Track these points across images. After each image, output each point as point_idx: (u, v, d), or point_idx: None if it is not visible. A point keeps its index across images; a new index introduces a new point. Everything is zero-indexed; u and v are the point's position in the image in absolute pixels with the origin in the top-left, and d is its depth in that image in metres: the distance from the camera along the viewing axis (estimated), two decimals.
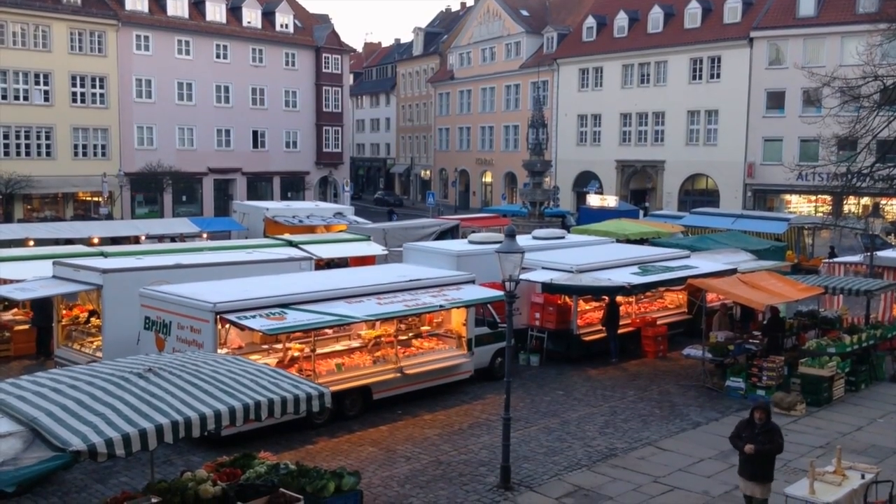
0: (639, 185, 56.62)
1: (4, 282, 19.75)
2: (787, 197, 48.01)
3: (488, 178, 68.81)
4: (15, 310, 21.47)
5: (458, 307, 17.59)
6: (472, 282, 18.53)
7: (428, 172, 76.84)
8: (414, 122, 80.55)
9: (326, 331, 16.54)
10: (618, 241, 28.53)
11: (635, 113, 55.27)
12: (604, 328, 21.15)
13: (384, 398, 16.60)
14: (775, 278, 20.18)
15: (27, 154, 46.06)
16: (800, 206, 47.48)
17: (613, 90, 56.68)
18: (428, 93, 76.93)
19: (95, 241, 28.64)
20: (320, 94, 59.05)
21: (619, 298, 21.14)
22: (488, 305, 18.79)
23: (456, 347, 18.30)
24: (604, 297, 21.04)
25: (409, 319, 18.01)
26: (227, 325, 14.94)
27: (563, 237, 26.70)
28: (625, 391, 18.44)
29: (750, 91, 48.66)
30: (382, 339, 17.40)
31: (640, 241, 30.49)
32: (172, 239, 32.04)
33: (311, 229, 34.12)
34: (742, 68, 48.99)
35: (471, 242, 23.35)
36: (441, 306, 16.97)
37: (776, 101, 47.84)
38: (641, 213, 46.00)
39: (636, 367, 20.65)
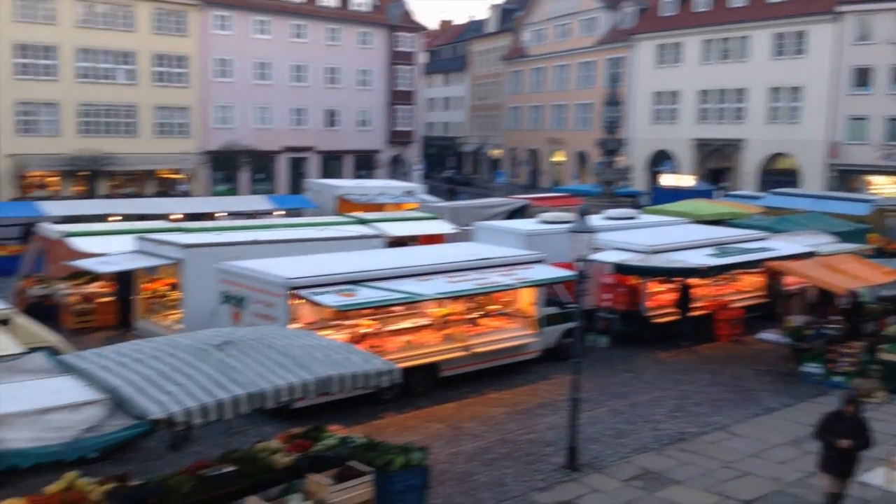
0: (716, 165, 55.18)
1: (89, 255, 20.54)
2: (872, 178, 46.13)
3: (559, 158, 68.10)
4: (99, 282, 22.32)
5: (527, 286, 17.55)
6: (542, 261, 18.45)
7: (498, 151, 76.50)
8: (485, 100, 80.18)
9: (395, 308, 16.72)
10: (693, 222, 27.92)
11: (715, 90, 53.78)
12: (676, 310, 20.80)
13: (451, 376, 16.73)
14: (857, 261, 19.50)
15: (111, 132, 47.64)
16: (885, 187, 45.57)
17: (692, 66, 55.22)
18: (500, 71, 76.37)
19: (175, 217, 29.49)
20: (393, 72, 59.31)
21: (692, 280, 20.75)
22: (558, 285, 18.69)
23: (524, 327, 18.29)
24: (677, 278, 20.68)
25: (478, 298, 18.05)
26: (300, 301, 15.25)
27: (635, 217, 26.29)
28: (696, 375, 18.14)
29: (835, 67, 46.80)
30: (451, 317, 17.51)
31: (717, 223, 29.76)
32: (248, 216, 32.77)
33: (381, 207, 34.41)
34: (827, 44, 47.11)
35: (541, 222, 23.21)
36: (510, 285, 16.97)
37: (863, 78, 45.88)
38: (718, 193, 44.87)
39: (709, 350, 20.27)
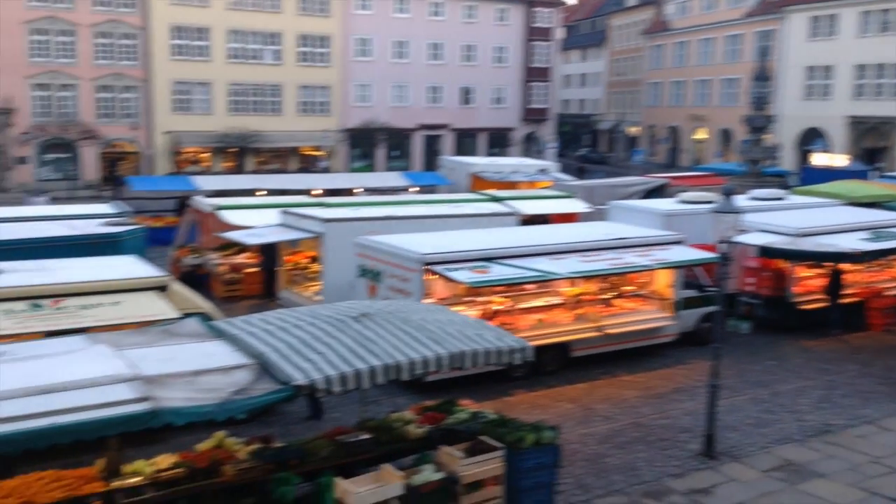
0: (872, 144, 51.58)
1: (237, 227, 21.60)
2: None
3: (700, 135, 65.60)
4: (246, 253, 23.45)
5: (664, 268, 17.08)
6: (681, 242, 17.88)
7: (636, 129, 74.54)
8: (624, 76, 78.19)
9: (528, 286, 16.68)
10: (846, 204, 26.26)
11: (872, 64, 50.17)
12: (825, 297, 19.69)
13: (583, 356, 16.55)
14: None
15: (258, 111, 49.77)
16: None
17: (848, 39, 51.69)
18: (640, 45, 74.19)
19: (316, 192, 30.51)
20: (529, 49, 58.79)
21: (844, 266, 19.55)
22: (697, 268, 18.08)
23: (660, 309, 17.82)
24: (827, 263, 19.54)
25: (613, 278, 17.72)
26: (434, 276, 15.47)
27: (783, 198, 25.01)
28: (844, 365, 17.15)
29: None
30: (584, 296, 17.30)
31: (872, 205, 27.86)
32: (383, 192, 33.50)
33: (514, 185, 34.33)
34: None
35: (681, 202, 22.48)
36: (647, 266, 16.56)
37: None
38: (874, 174, 41.98)
39: (859, 340, 19.10)
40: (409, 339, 9.85)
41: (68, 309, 11.69)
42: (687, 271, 17.95)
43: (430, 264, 15.08)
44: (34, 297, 11.78)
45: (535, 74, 59.29)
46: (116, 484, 8.56)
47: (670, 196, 26.86)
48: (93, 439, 7.91)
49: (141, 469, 9.01)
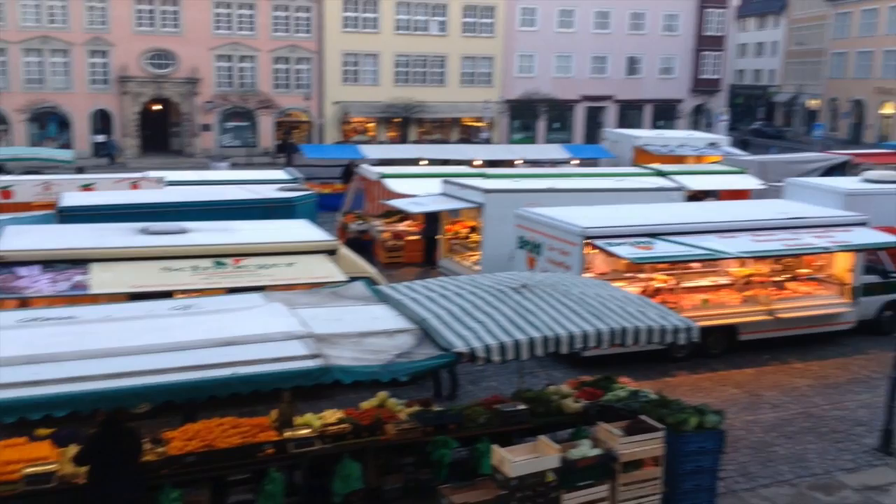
0: None
1: (401, 196, 22.15)
2: None
3: (888, 110, 60.53)
4: (408, 221, 24.04)
5: (844, 251, 15.97)
6: (864, 224, 16.64)
7: (816, 102, 69.77)
8: (804, 45, 73.23)
9: (693, 264, 16.13)
10: None
11: None
12: None
13: (750, 340, 15.83)
14: None
15: (422, 82, 50.61)
16: None
17: None
18: (824, 13, 69.11)
19: (477, 163, 30.76)
20: (702, 16, 56.20)
21: None
22: (881, 252, 16.78)
23: (837, 295, 16.72)
24: None
25: (786, 260, 16.78)
26: (594, 251, 15.23)
27: None
28: None
29: None
30: (754, 278, 16.50)
31: None
32: (543, 164, 33.29)
33: (681, 159, 33.14)
34: None
35: (865, 181, 20.90)
36: (825, 248, 15.54)
37: None
38: None
39: None
40: (570, 312, 9.76)
41: (248, 268, 12.41)
42: (869, 255, 16.72)
43: (591, 238, 14.86)
44: (218, 256, 12.59)
45: (706, 43, 56.65)
46: (288, 434, 9.06)
47: (852, 174, 25.05)
48: (268, 391, 8.39)
49: (310, 422, 9.50)
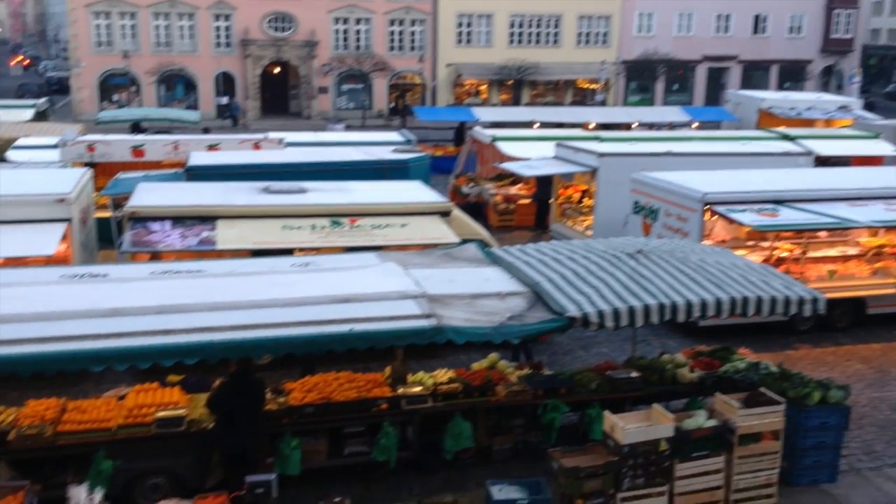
0: None
1: (513, 159, 22.01)
2: None
3: None
4: (520, 185, 23.89)
5: None
6: None
7: None
8: None
9: (820, 234, 15.36)
10: None
11: None
12: None
13: (879, 314, 15.00)
14: None
15: (536, 43, 49.83)
16: None
17: None
18: None
19: (591, 126, 30.18)
20: None
21: None
22: None
23: None
24: None
25: None
26: (715, 217, 14.74)
27: None
28: None
29: None
30: (885, 248, 15.58)
31: None
32: (660, 127, 32.36)
33: (809, 123, 31.50)
34: None
35: None
36: None
37: None
38: None
39: None
40: (687, 279, 9.52)
41: (363, 228, 12.68)
42: None
43: (711, 204, 14.38)
44: (335, 215, 12.91)
45: (839, 0, 53.23)
46: (401, 391, 9.27)
47: None
48: (383, 348, 8.60)
49: (423, 380, 9.68)
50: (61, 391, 9.59)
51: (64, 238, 12.15)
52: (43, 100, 34.61)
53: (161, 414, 8.47)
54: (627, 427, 8.18)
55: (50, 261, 11.62)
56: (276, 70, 48.31)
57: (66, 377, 9.18)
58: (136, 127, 31.89)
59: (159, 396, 8.97)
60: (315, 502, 8.09)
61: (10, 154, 20.67)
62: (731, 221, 14.28)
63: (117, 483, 8.12)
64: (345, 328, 8.05)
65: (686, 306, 8.97)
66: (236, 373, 8.39)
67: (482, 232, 14.19)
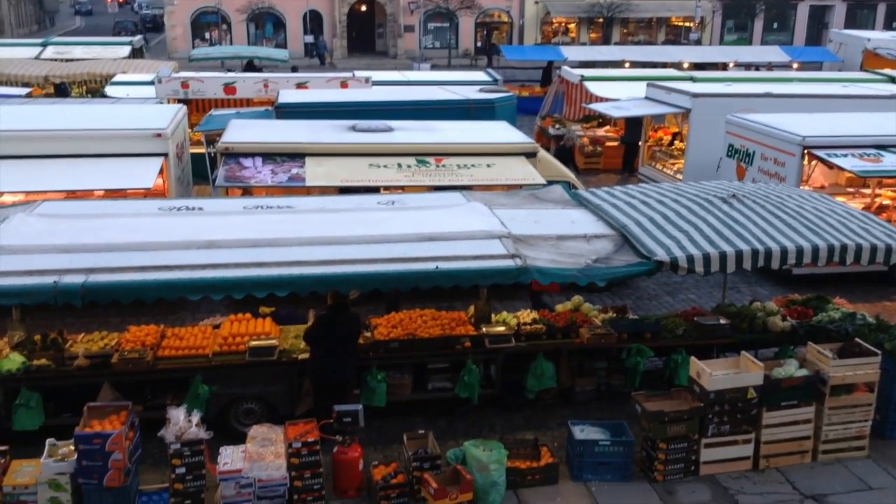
0: None
1: (602, 100, 21.52)
2: None
3: None
4: (608, 127, 23.39)
5: None
6: None
7: None
8: None
9: None
10: None
11: None
12: None
13: None
14: None
15: None
16: None
17: None
18: None
19: (685, 65, 29.18)
20: None
21: None
22: None
23: None
24: None
25: None
26: (814, 162, 14.15)
27: None
28: None
29: None
30: None
31: None
32: (757, 68, 31.06)
33: None
34: None
35: None
36: None
37: None
38: None
39: None
40: (783, 225, 9.20)
41: (449, 167, 12.66)
42: None
43: (810, 148, 13.80)
44: (421, 155, 12.92)
45: None
46: (485, 330, 9.34)
47: None
48: (467, 287, 8.65)
49: (506, 320, 9.72)
50: (160, 319, 10.04)
51: (161, 172, 12.55)
52: (138, 37, 35.51)
53: (254, 343, 8.77)
54: (715, 373, 8.06)
55: (148, 194, 12.07)
56: (363, 8, 48.21)
57: (164, 305, 9.61)
58: (251, 65, 32.34)
59: (252, 326, 9.28)
60: (399, 434, 8.32)
61: (109, 89, 21.38)
62: (831, 166, 13.72)
63: (213, 407, 8.49)
64: (430, 266, 8.12)
65: (781, 253, 8.69)
66: (332, 307, 8.59)
67: (569, 173, 14.01)
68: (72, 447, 7.12)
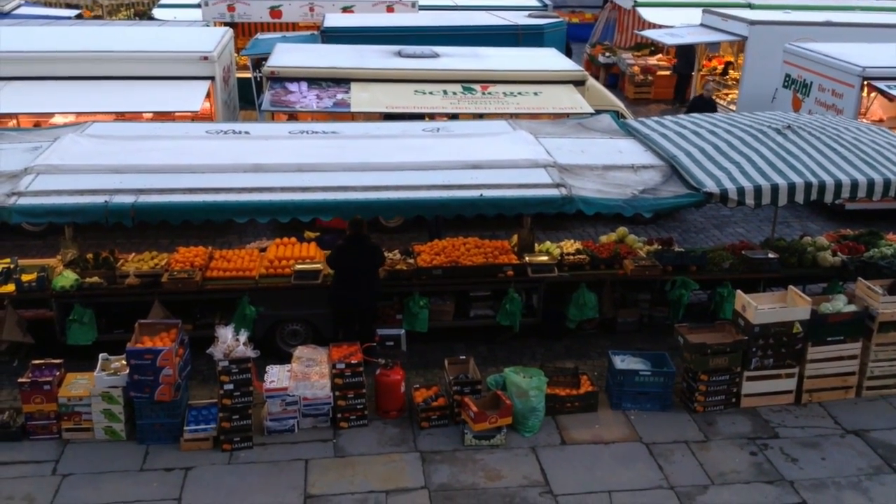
0: None
1: (655, 27, 20.88)
2: None
3: None
4: (660, 55, 22.74)
5: None
6: None
7: None
8: None
9: None
10: None
11: None
12: None
13: None
14: None
15: None
16: None
17: None
18: None
19: None
20: None
21: None
22: None
23: None
24: None
25: None
26: (873, 94, 13.64)
27: None
28: None
29: None
30: None
31: None
32: None
33: None
34: None
35: None
36: None
37: None
38: None
39: None
40: (838, 158, 8.94)
41: (495, 95, 12.47)
42: None
43: (871, 79, 13.29)
44: (467, 81, 12.73)
45: None
46: (528, 259, 9.32)
47: None
48: (511, 216, 8.62)
49: (549, 249, 9.69)
50: (207, 241, 10.21)
51: (208, 95, 12.58)
52: None
53: (299, 267, 8.88)
54: (761, 307, 7.97)
55: (195, 117, 12.13)
56: None
57: (211, 228, 9.76)
58: None
59: (297, 250, 9.38)
60: (440, 359, 8.43)
61: (156, 12, 21.36)
62: (892, 98, 13.21)
63: (260, 327, 8.67)
64: (475, 193, 8.08)
65: (835, 186, 8.47)
66: (350, 237, 8.60)
67: (617, 102, 13.72)
68: (124, 362, 7.36)
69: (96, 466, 7.07)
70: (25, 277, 8.51)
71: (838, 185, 8.46)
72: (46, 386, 7.32)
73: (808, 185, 8.41)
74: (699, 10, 20.09)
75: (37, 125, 12.15)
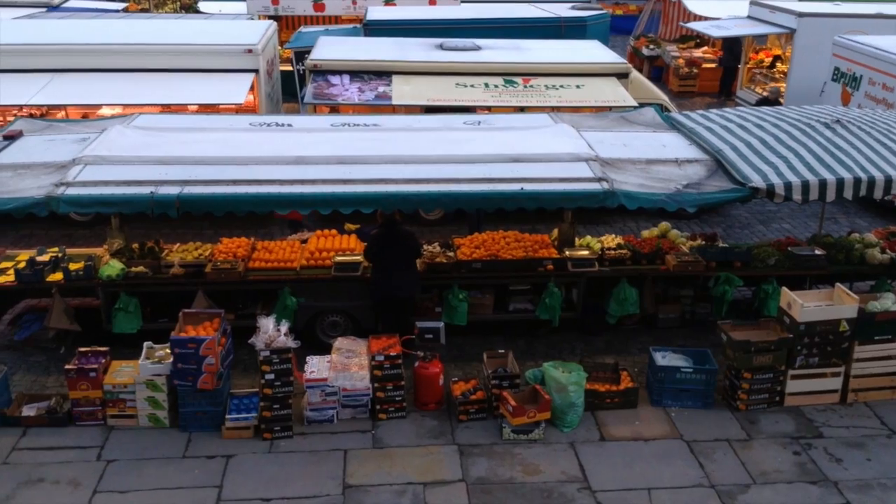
0: None
1: (701, 18, 20.57)
2: None
3: None
4: (705, 47, 22.40)
5: None
6: None
7: None
8: None
9: None
10: None
11: None
12: None
13: None
14: None
15: None
16: None
17: None
18: None
19: None
20: None
21: None
22: None
23: None
24: None
25: None
26: None
27: None
28: None
29: None
30: None
31: None
32: None
33: None
34: None
35: None
36: None
37: None
38: None
39: None
40: (889, 153, 8.74)
41: (537, 88, 12.39)
42: None
43: None
44: (508, 74, 12.67)
45: None
46: (568, 253, 9.26)
47: None
48: (552, 209, 8.54)
49: (590, 244, 9.61)
50: (250, 233, 10.32)
51: (251, 88, 12.70)
52: None
53: (339, 259, 8.93)
54: (807, 304, 7.82)
55: (239, 109, 12.27)
56: None
57: (254, 220, 9.86)
58: None
59: (337, 242, 9.44)
60: (479, 353, 8.42)
61: (202, 5, 21.63)
62: None
63: (300, 318, 8.74)
64: (516, 187, 8.04)
65: (885, 182, 8.27)
66: (382, 225, 8.61)
67: (661, 95, 13.55)
68: (168, 350, 7.48)
69: (140, 453, 7.21)
70: (73, 266, 8.70)
71: (888, 181, 8.26)
72: (92, 373, 7.47)
73: (857, 181, 8.22)
74: (746, 2, 19.76)
75: (84, 116, 12.41)
